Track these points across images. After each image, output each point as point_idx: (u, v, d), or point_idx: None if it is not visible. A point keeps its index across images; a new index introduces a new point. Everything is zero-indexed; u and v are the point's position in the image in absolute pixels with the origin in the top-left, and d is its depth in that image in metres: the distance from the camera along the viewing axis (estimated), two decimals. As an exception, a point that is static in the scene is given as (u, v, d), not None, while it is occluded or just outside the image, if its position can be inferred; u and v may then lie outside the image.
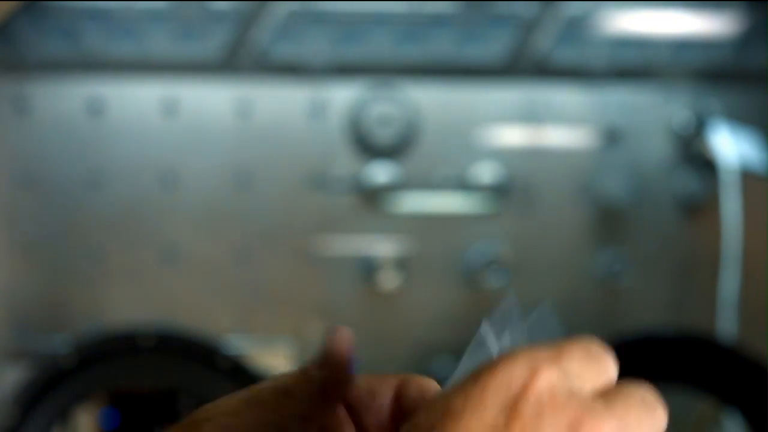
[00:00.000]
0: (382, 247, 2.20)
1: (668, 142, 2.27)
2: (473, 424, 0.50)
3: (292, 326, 2.23)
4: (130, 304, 2.20)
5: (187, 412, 0.66)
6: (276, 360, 2.18)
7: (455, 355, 2.23)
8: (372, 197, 2.21)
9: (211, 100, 2.20)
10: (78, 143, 2.20)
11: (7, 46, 2.16)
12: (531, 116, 2.24)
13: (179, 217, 2.21)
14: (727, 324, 2.22)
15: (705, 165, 2.25)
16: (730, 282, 2.22)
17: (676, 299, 2.29)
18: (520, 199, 2.22)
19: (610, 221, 2.28)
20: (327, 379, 0.61)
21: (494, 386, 0.52)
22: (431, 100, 2.22)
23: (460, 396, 0.52)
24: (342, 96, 2.22)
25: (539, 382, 0.52)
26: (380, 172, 2.22)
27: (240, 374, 2.02)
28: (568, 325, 0.59)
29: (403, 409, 0.62)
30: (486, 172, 2.22)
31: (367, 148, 2.22)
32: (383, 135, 2.22)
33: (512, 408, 0.51)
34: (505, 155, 2.24)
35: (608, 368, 0.57)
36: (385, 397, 0.62)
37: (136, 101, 2.20)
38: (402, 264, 2.22)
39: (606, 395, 0.55)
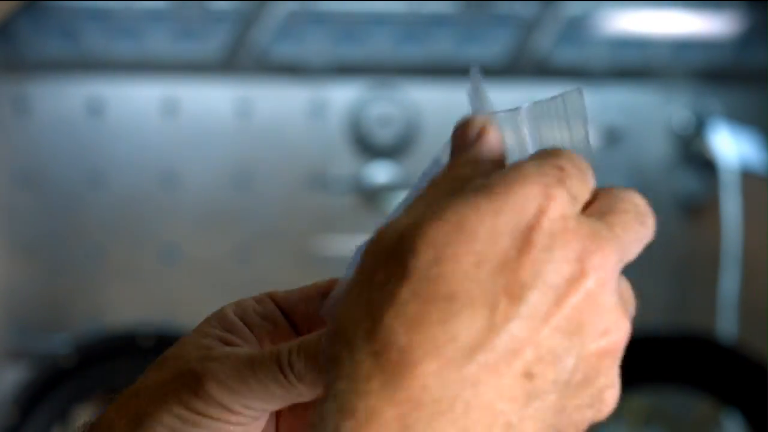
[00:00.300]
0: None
1: (668, 142, 2.27)
2: (487, 252, 0.47)
3: (292, 326, 2.23)
4: (130, 304, 2.20)
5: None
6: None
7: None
8: (372, 197, 2.21)
9: (211, 100, 2.20)
10: (78, 143, 2.20)
11: (7, 46, 2.16)
12: (531, 116, 2.24)
13: (179, 217, 2.21)
14: (727, 324, 2.22)
15: (705, 165, 2.25)
16: (730, 282, 2.22)
17: (676, 299, 2.29)
18: (520, 199, 2.22)
19: (610, 221, 2.27)
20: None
21: (509, 209, 0.48)
22: (431, 100, 2.22)
23: (473, 210, 0.48)
24: (342, 96, 2.22)
25: (552, 210, 0.49)
26: (380, 172, 2.22)
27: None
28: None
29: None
30: (486, 172, 2.22)
31: (367, 148, 2.22)
32: (383, 135, 2.22)
33: (524, 239, 0.48)
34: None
35: (591, 175, 0.54)
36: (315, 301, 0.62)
37: (136, 101, 2.20)
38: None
39: (603, 213, 0.53)
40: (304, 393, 0.58)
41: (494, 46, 2.21)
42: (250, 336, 0.61)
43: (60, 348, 2.09)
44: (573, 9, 2.21)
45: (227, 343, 0.61)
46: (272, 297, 0.63)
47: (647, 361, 2.10)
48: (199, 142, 2.21)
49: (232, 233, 2.20)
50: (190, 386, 0.59)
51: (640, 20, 2.25)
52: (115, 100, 2.20)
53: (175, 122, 2.20)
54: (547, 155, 0.52)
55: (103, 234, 2.20)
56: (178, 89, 2.20)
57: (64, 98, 2.19)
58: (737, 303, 2.22)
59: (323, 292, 0.62)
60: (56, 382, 2.07)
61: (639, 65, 2.25)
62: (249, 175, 2.21)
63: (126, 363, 2.05)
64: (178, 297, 2.19)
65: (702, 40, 2.25)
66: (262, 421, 0.61)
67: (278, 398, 0.59)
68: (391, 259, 0.48)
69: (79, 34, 2.16)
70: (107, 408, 0.63)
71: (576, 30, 2.22)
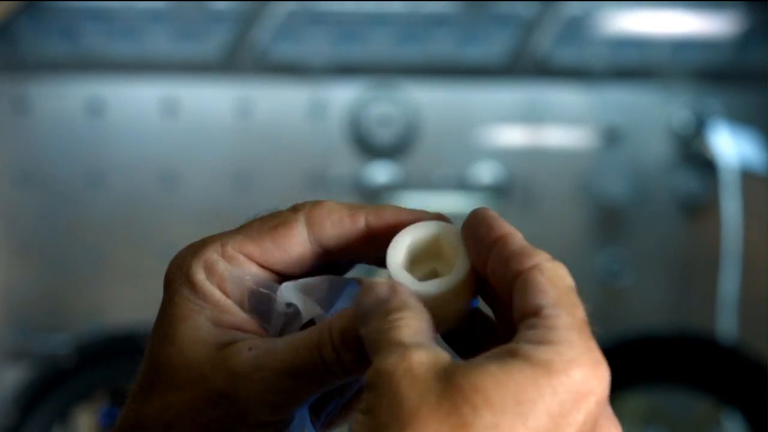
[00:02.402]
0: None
1: (668, 142, 2.27)
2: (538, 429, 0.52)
3: (292, 326, 2.23)
4: (130, 304, 2.20)
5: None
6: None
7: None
8: (372, 197, 2.21)
9: (211, 100, 2.20)
10: (78, 143, 2.20)
11: (7, 46, 2.16)
12: (531, 116, 2.24)
13: (179, 217, 2.21)
14: (727, 324, 2.22)
15: (705, 165, 2.25)
16: (730, 282, 2.22)
17: (676, 299, 2.29)
18: (520, 199, 2.22)
19: (610, 221, 2.28)
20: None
21: (565, 390, 0.52)
22: (431, 100, 2.22)
23: (531, 384, 0.52)
24: (342, 96, 2.22)
25: (600, 393, 0.54)
26: (380, 172, 2.22)
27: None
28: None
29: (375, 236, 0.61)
30: (486, 172, 2.22)
31: (367, 148, 2.23)
32: (383, 135, 2.22)
33: (575, 423, 0.53)
34: (505, 155, 2.24)
35: None
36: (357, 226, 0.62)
37: (136, 101, 2.20)
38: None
39: None
40: (343, 376, 0.58)
41: (494, 46, 2.21)
42: (238, 309, 0.60)
43: (60, 348, 2.09)
44: (573, 9, 2.21)
45: (224, 326, 0.59)
46: (242, 251, 0.62)
47: (647, 361, 2.10)
48: (199, 142, 2.21)
49: (232, 233, 2.19)
50: (230, 415, 0.57)
51: (640, 20, 2.25)
52: (115, 100, 2.20)
53: (175, 122, 2.20)
54: (581, 327, 0.55)
55: (103, 234, 2.20)
56: (178, 89, 2.20)
57: (64, 98, 2.19)
58: (737, 303, 2.22)
59: (298, 236, 0.61)
60: (56, 382, 2.07)
61: (639, 65, 2.25)
62: (249, 175, 2.21)
63: (126, 363, 2.05)
64: (178, 297, 2.19)
65: (702, 40, 2.25)
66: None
67: (321, 390, 0.59)
68: (445, 404, 0.50)
69: (79, 34, 2.16)
70: None
71: (576, 30, 2.22)
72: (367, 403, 0.51)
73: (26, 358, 2.17)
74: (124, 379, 2.26)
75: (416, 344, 0.52)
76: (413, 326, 0.54)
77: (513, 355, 0.52)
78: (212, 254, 0.62)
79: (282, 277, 0.61)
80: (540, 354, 0.52)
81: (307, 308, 0.60)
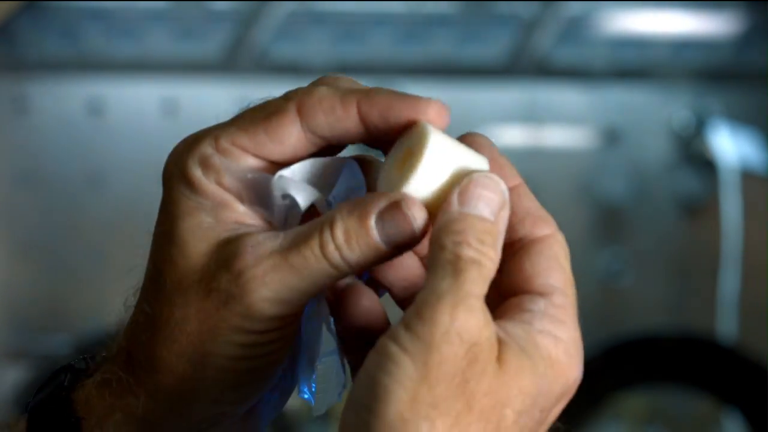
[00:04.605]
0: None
1: (668, 142, 2.27)
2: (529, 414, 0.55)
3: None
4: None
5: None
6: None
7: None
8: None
9: (211, 100, 2.20)
10: (78, 143, 2.20)
11: (7, 46, 2.16)
12: (531, 116, 2.24)
13: (179, 217, 2.21)
14: (727, 324, 2.22)
15: (705, 165, 2.25)
16: (730, 282, 2.22)
17: (676, 299, 2.29)
18: (520, 199, 2.22)
19: (610, 221, 2.27)
20: None
21: (564, 382, 0.56)
22: (431, 100, 2.21)
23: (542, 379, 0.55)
24: (342, 96, 2.22)
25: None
26: (380, 172, 2.22)
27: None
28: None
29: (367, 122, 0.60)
30: (486, 172, 2.22)
31: (367, 148, 2.22)
32: (383, 135, 2.22)
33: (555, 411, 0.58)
34: (505, 155, 2.23)
35: None
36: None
37: (136, 101, 2.20)
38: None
39: None
40: (350, 272, 0.57)
41: (494, 46, 2.21)
42: (234, 201, 0.59)
43: (60, 348, 2.09)
44: (573, 9, 2.21)
45: (228, 221, 0.58)
46: (236, 144, 0.61)
47: (647, 361, 2.10)
48: (199, 142, 2.21)
49: (232, 233, 2.19)
50: (239, 315, 0.57)
51: (640, 20, 2.25)
52: (115, 100, 2.20)
53: (175, 122, 2.20)
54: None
55: (103, 234, 2.20)
56: (178, 89, 2.20)
57: (64, 98, 2.19)
58: (737, 303, 2.22)
59: (290, 125, 0.61)
60: (56, 382, 2.07)
61: (639, 65, 2.25)
62: (249, 175, 2.21)
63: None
64: (178, 297, 2.19)
65: (702, 40, 2.25)
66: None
67: (323, 288, 0.58)
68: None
69: (79, 34, 2.16)
70: (152, 344, 0.60)
71: (576, 30, 2.22)
72: (424, 345, 0.50)
73: (26, 358, 2.17)
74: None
75: (486, 312, 0.52)
76: (492, 276, 0.53)
77: (536, 345, 0.53)
78: (207, 148, 0.61)
79: (278, 167, 0.59)
80: (558, 353, 0.53)
81: (305, 195, 0.58)
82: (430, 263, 0.53)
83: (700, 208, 2.28)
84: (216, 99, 2.21)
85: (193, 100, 2.20)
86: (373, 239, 0.56)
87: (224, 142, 0.60)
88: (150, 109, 2.20)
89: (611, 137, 2.26)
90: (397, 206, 0.56)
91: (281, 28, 2.18)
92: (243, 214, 0.59)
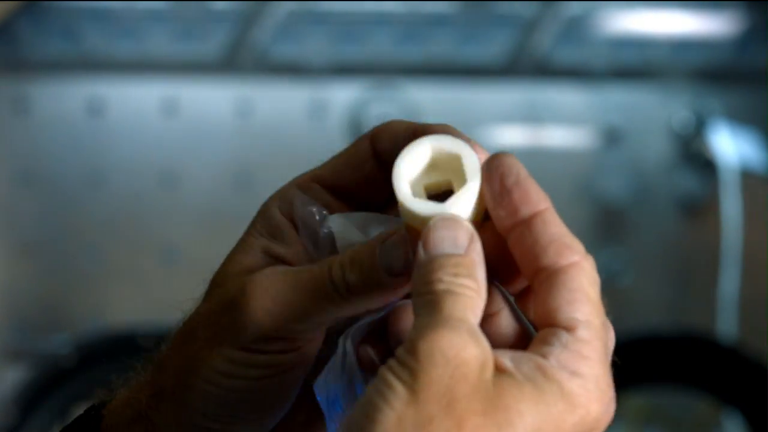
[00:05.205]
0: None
1: (668, 142, 2.27)
2: None
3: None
4: (130, 304, 2.20)
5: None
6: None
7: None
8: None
9: (211, 100, 2.21)
10: (78, 143, 2.20)
11: (7, 46, 2.16)
12: (531, 116, 2.24)
13: (179, 217, 2.21)
14: (727, 324, 2.22)
15: (705, 165, 2.25)
16: (730, 282, 2.22)
17: (676, 299, 2.29)
18: (520, 199, 2.22)
19: (610, 221, 2.28)
20: None
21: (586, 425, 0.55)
22: (431, 100, 2.22)
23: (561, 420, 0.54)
24: (342, 96, 2.22)
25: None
26: (380, 172, 2.22)
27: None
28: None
29: (379, 156, 0.61)
30: (486, 172, 2.22)
31: (367, 148, 2.22)
32: (383, 135, 2.22)
33: None
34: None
35: None
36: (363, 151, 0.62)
37: (136, 101, 2.20)
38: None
39: None
40: (358, 307, 0.58)
41: (494, 46, 2.21)
42: (297, 238, 0.61)
43: (60, 348, 2.09)
44: (573, 9, 2.21)
45: (272, 255, 0.60)
46: (317, 180, 0.63)
47: (647, 361, 2.10)
48: (199, 142, 2.21)
49: (232, 233, 2.19)
50: (237, 322, 0.58)
51: (640, 20, 2.25)
52: (115, 100, 2.20)
53: (175, 122, 2.20)
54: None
55: (103, 234, 2.20)
56: (178, 89, 2.20)
57: (64, 98, 2.19)
58: (737, 303, 2.22)
59: (364, 152, 0.61)
60: (56, 382, 2.07)
61: (639, 65, 2.25)
62: (249, 175, 2.21)
63: (126, 363, 2.05)
64: (178, 297, 2.19)
65: (702, 40, 2.25)
66: (319, 341, 0.61)
67: (332, 315, 0.59)
68: (489, 418, 0.51)
69: (79, 34, 2.16)
70: (163, 347, 0.63)
71: (576, 30, 2.22)
72: (411, 371, 0.51)
73: (26, 358, 2.17)
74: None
75: (475, 331, 0.52)
76: (477, 303, 0.53)
77: (547, 377, 0.52)
78: (291, 186, 0.63)
79: (354, 206, 0.61)
80: (572, 386, 0.53)
81: (345, 235, 0.60)
82: (413, 311, 0.54)
83: (700, 208, 2.28)
84: (216, 99, 2.21)
85: (193, 100, 2.20)
86: (373, 261, 0.57)
87: (307, 179, 0.63)
88: (150, 109, 2.20)
89: (611, 137, 2.26)
90: (399, 234, 0.58)
91: (281, 28, 2.18)
92: (291, 254, 0.61)
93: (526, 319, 0.58)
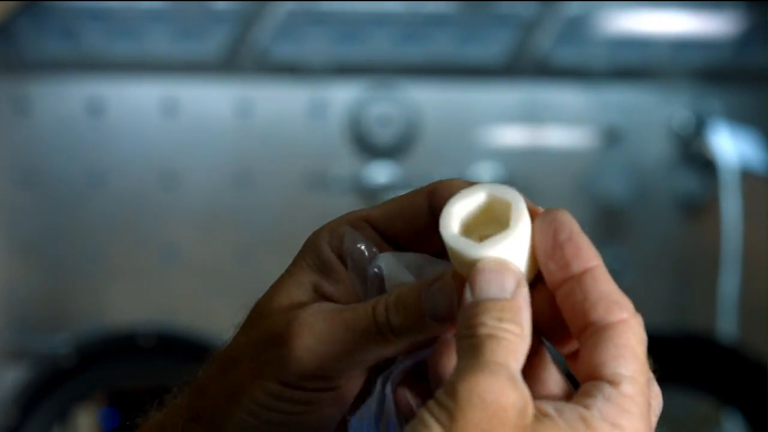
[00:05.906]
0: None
1: (668, 142, 2.27)
2: None
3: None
4: (130, 304, 2.20)
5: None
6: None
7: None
8: (372, 197, 2.21)
9: (211, 100, 2.21)
10: (78, 143, 2.20)
11: (7, 46, 2.16)
12: (531, 116, 2.24)
13: (179, 217, 2.21)
14: (727, 324, 2.22)
15: (705, 165, 2.25)
16: (730, 282, 2.22)
17: (676, 299, 2.29)
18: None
19: (610, 221, 2.28)
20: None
21: None
22: (431, 100, 2.22)
23: None
24: (342, 96, 2.22)
25: None
26: (380, 172, 2.22)
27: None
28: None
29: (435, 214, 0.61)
30: (486, 172, 2.22)
31: (367, 148, 2.23)
32: (383, 135, 2.22)
33: None
34: (505, 155, 2.24)
35: None
36: (419, 206, 0.62)
37: (136, 101, 2.20)
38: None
39: None
40: (401, 347, 0.59)
41: (494, 46, 2.21)
42: (346, 275, 0.61)
43: (60, 348, 2.09)
44: (573, 9, 2.21)
45: (320, 293, 0.61)
46: (368, 220, 0.63)
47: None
48: (199, 142, 2.21)
49: (232, 233, 2.20)
50: (281, 358, 0.58)
51: (640, 20, 2.25)
52: (115, 100, 2.20)
53: (175, 122, 2.20)
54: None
55: (103, 234, 2.20)
56: (178, 89, 2.20)
57: (64, 98, 2.19)
58: (737, 303, 2.22)
59: (420, 205, 0.62)
60: (56, 382, 2.07)
61: (639, 65, 2.25)
62: (249, 175, 2.21)
63: (126, 363, 2.05)
64: (178, 297, 2.19)
65: (702, 40, 2.25)
66: (359, 379, 0.61)
67: (375, 355, 0.59)
68: None
69: (79, 34, 2.16)
70: (202, 371, 0.62)
71: (576, 30, 2.22)
72: (448, 413, 0.51)
73: (26, 358, 2.17)
74: (124, 379, 2.26)
75: (515, 377, 0.52)
76: (520, 348, 0.54)
77: (588, 426, 0.53)
78: (341, 222, 0.63)
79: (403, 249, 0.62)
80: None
81: (394, 274, 0.60)
82: (457, 354, 0.54)
83: (700, 208, 2.28)
84: (216, 99, 2.21)
85: (193, 100, 2.20)
86: (418, 305, 0.57)
87: (358, 216, 0.63)
88: (150, 109, 2.20)
89: (611, 137, 2.26)
90: (446, 279, 0.58)
91: (281, 28, 2.18)
92: (340, 293, 0.61)
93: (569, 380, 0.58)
